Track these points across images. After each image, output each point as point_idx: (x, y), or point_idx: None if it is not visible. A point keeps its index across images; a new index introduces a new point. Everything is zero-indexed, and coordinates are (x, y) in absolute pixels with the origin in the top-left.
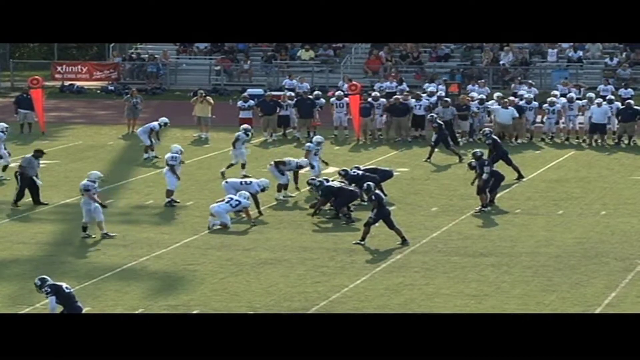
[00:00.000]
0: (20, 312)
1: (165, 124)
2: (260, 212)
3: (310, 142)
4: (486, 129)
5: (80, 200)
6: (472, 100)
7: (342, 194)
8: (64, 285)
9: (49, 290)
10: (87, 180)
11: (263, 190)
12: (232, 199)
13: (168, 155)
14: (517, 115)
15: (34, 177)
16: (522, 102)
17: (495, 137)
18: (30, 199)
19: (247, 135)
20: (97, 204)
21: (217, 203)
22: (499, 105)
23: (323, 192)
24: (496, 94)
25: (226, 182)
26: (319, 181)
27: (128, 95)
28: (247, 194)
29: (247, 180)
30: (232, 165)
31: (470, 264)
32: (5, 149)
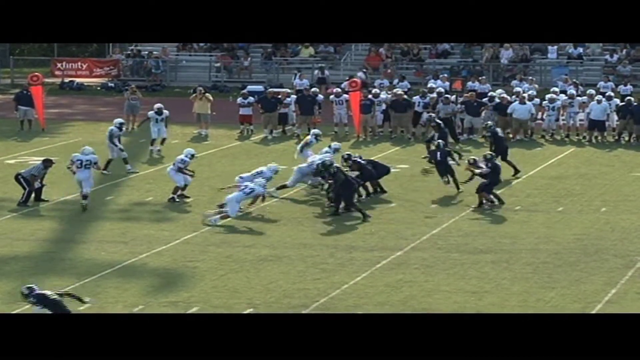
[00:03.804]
0: (20, 310)
1: (166, 116)
2: (264, 198)
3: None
4: (489, 122)
5: (79, 173)
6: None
7: (344, 188)
8: (48, 292)
9: (35, 300)
10: (90, 154)
11: (276, 172)
12: (246, 186)
13: (179, 157)
14: (534, 111)
15: (37, 183)
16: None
17: (497, 130)
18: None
19: (317, 140)
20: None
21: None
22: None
23: (335, 178)
24: (522, 89)
25: (240, 177)
26: (336, 167)
27: (127, 92)
28: (264, 181)
29: (259, 169)
30: None
31: (470, 260)
32: (119, 143)
